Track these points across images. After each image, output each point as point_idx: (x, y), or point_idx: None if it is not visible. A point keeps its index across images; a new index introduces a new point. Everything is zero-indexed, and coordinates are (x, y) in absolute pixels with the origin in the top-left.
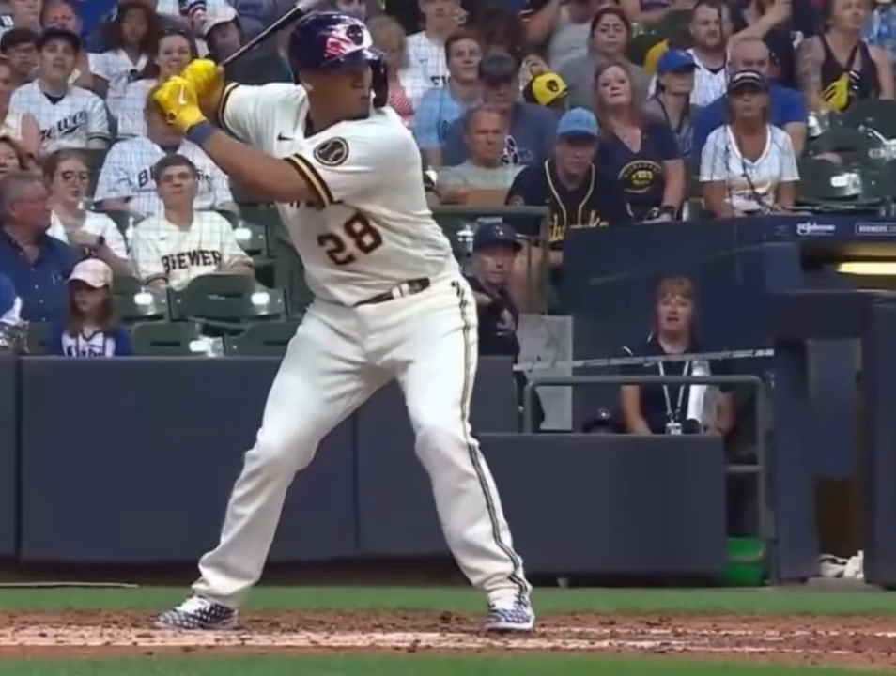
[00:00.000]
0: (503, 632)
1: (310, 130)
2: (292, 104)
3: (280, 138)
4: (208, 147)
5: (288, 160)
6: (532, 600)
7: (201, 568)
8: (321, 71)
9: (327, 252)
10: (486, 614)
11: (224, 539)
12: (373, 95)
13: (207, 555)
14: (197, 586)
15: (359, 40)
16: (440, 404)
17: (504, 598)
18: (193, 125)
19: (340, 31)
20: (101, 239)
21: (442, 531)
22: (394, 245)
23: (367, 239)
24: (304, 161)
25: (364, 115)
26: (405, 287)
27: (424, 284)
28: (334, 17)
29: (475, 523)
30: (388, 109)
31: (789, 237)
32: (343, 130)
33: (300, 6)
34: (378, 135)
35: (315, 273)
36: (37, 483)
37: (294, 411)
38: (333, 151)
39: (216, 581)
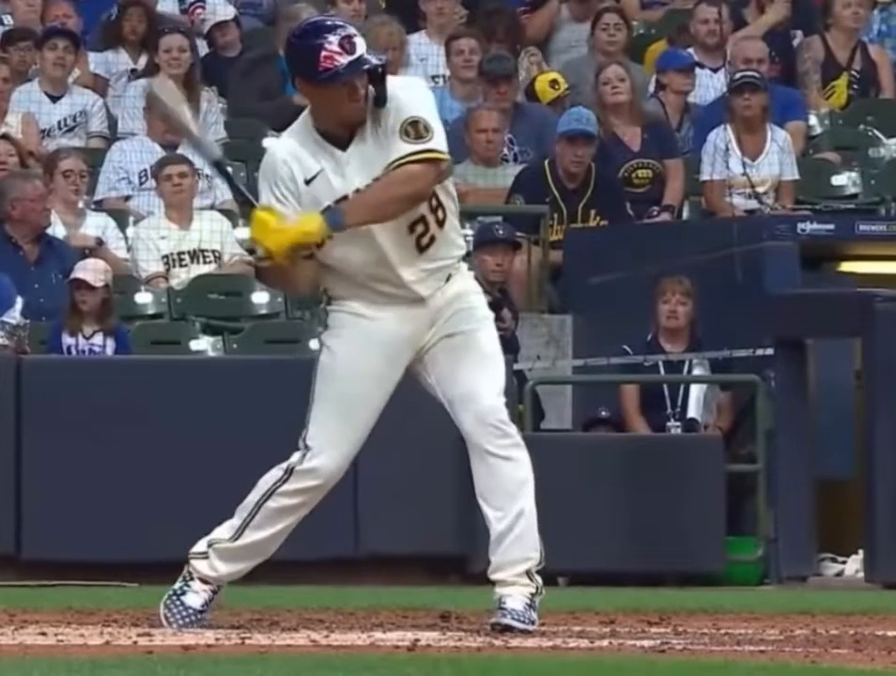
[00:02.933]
0: (506, 629)
1: (336, 141)
2: (299, 148)
3: (307, 182)
4: (350, 220)
5: (405, 161)
6: (540, 606)
7: (212, 555)
8: (316, 83)
9: (415, 239)
10: (494, 608)
11: (249, 534)
12: (373, 94)
13: (220, 543)
14: (204, 572)
15: (353, 50)
16: (495, 387)
17: (516, 597)
18: (323, 221)
19: (333, 43)
20: (100, 241)
21: (490, 515)
22: (451, 211)
23: (440, 213)
24: (415, 152)
25: (363, 121)
26: (457, 265)
27: (459, 262)
28: (328, 24)
29: (528, 507)
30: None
31: (789, 236)
32: (397, 110)
33: (215, 157)
34: (418, 90)
35: (402, 273)
36: (37, 482)
37: (359, 428)
38: (417, 126)
39: (227, 569)
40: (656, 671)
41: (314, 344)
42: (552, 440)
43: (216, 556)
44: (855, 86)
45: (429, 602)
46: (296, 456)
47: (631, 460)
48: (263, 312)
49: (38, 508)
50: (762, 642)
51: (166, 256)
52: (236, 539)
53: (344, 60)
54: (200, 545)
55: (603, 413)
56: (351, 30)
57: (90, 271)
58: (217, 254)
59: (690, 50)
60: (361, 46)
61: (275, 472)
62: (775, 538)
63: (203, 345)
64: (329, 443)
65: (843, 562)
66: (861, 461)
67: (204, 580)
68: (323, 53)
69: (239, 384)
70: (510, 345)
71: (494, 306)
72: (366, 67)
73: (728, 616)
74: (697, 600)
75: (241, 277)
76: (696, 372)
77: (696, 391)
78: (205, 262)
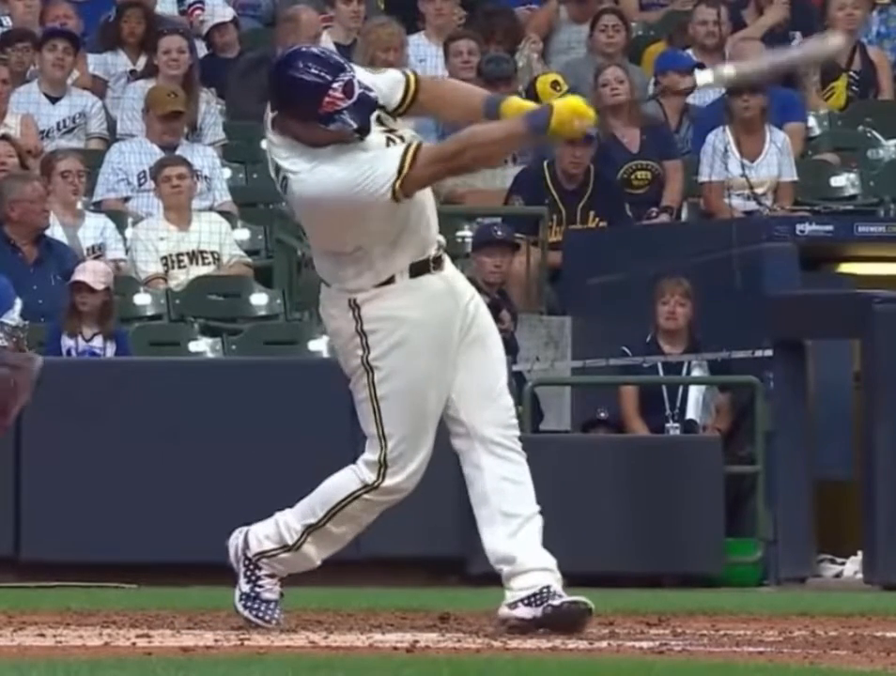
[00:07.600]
0: (585, 610)
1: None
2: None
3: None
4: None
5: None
6: None
7: (308, 549)
8: (315, 122)
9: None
10: (535, 595)
11: (335, 530)
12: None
13: (315, 544)
14: (279, 567)
15: (351, 94)
16: (507, 391)
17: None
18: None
19: (337, 90)
20: (101, 247)
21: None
22: None
23: None
24: (409, 77)
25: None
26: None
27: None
28: (329, 68)
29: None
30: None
31: (788, 237)
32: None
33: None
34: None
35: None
36: (36, 484)
37: (430, 436)
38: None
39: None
40: (655, 673)
41: (312, 345)
42: (551, 441)
43: (317, 552)
44: (854, 88)
45: (428, 603)
46: (373, 472)
47: (630, 461)
48: (262, 313)
49: (37, 509)
50: (760, 643)
51: (165, 258)
52: (321, 535)
53: (343, 105)
54: (262, 544)
55: (602, 414)
56: (351, 75)
57: (90, 273)
58: (216, 256)
59: (689, 51)
60: (357, 87)
61: (351, 484)
62: (774, 539)
63: (202, 346)
64: (409, 459)
65: (842, 564)
66: (860, 462)
67: (271, 576)
68: (326, 99)
69: (238, 385)
70: (509, 347)
71: (493, 307)
72: (363, 126)
73: (727, 617)
74: (696, 601)
75: (240, 278)
76: (695, 373)
77: (695, 393)
78: (204, 263)
